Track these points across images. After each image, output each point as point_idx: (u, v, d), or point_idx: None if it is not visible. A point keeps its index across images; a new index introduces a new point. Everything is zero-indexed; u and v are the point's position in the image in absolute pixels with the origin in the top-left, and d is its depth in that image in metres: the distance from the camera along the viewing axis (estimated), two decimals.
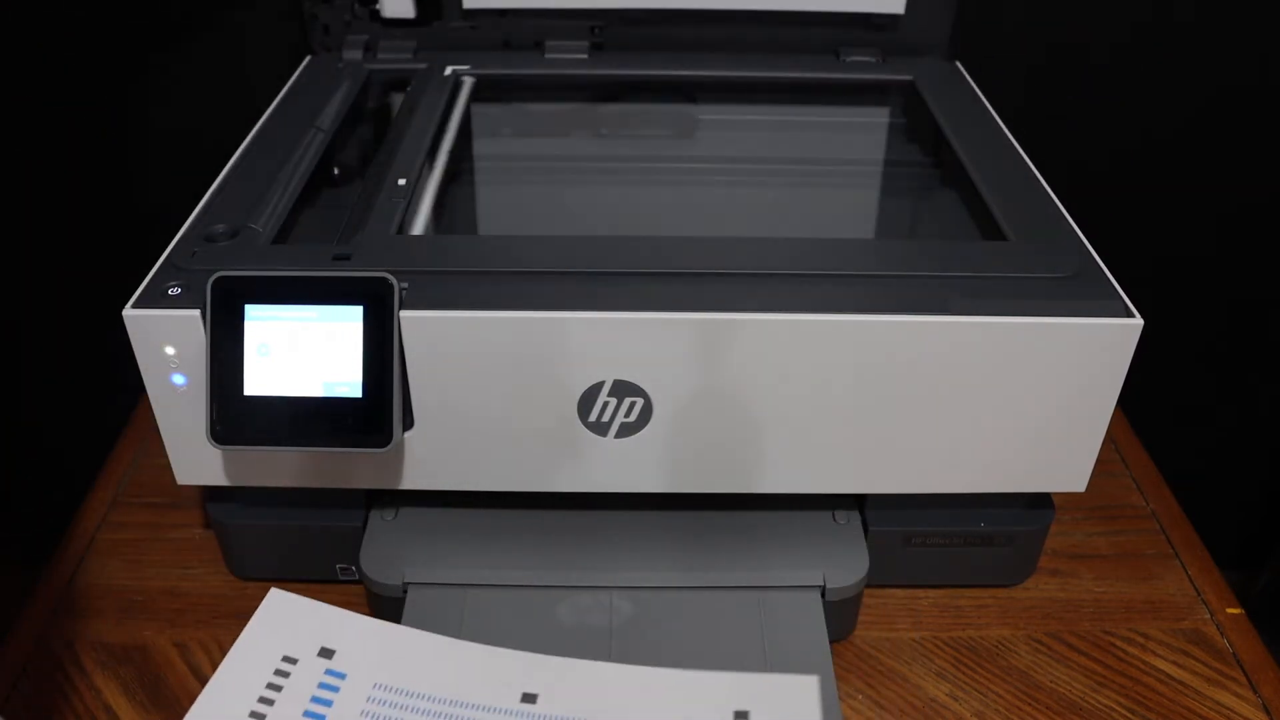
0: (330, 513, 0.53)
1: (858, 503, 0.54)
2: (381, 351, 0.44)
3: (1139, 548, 0.60)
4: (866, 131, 0.71)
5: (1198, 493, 0.69)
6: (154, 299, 0.45)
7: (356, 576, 0.53)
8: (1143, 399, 0.64)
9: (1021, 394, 0.47)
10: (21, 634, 0.54)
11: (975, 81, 0.69)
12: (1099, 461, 0.49)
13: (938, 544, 0.54)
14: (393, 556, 0.51)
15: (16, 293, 0.89)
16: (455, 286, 0.45)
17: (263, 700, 0.40)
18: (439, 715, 0.40)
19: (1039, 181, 0.56)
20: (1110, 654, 0.53)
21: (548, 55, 0.71)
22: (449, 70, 0.69)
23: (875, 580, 0.53)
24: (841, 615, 0.52)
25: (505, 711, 0.41)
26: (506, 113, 0.64)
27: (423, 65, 0.69)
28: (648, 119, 0.63)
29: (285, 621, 0.43)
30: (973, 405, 0.47)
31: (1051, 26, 0.83)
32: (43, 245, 0.88)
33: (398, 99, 0.69)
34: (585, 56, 0.71)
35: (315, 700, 0.40)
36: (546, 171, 0.57)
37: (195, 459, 0.49)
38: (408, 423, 0.47)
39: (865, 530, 0.53)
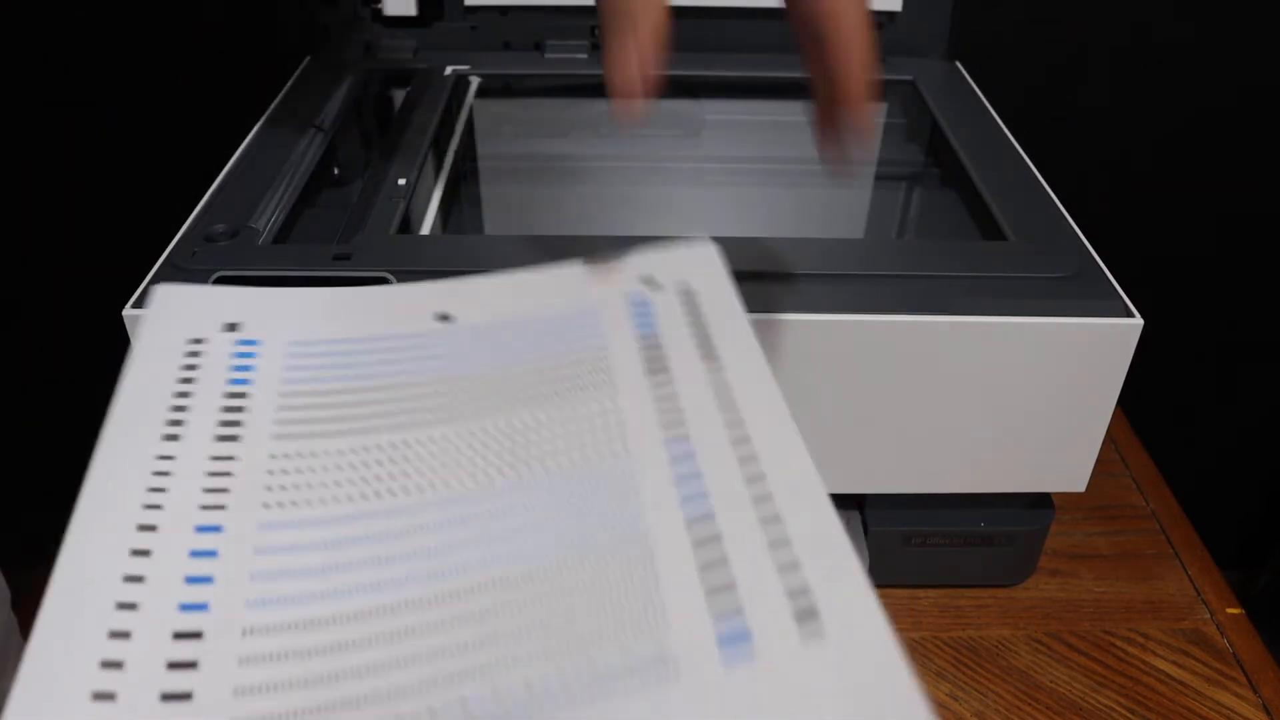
0: None
1: (858, 503, 0.54)
2: None
3: (1139, 548, 0.60)
4: None
5: (1198, 493, 0.69)
6: None
7: None
8: (1143, 399, 0.64)
9: (1021, 394, 0.47)
10: (22, 634, 0.54)
11: (975, 81, 0.69)
12: (1099, 461, 0.49)
13: (938, 544, 0.54)
14: None
15: (16, 292, 0.89)
16: None
17: (180, 393, 0.37)
18: (359, 353, 0.38)
19: (1039, 181, 0.56)
20: (1110, 654, 0.53)
21: (548, 55, 0.71)
22: (449, 70, 0.69)
23: (875, 580, 0.52)
24: None
25: (422, 335, 0.39)
26: (507, 112, 0.64)
27: (423, 65, 0.69)
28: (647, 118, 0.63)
29: (180, 310, 0.39)
30: (973, 405, 0.47)
31: (1051, 26, 0.83)
32: (43, 245, 0.88)
33: (398, 99, 0.70)
34: (585, 56, 0.71)
35: (235, 372, 0.37)
36: (546, 171, 0.57)
37: None
38: None
39: (865, 530, 0.53)
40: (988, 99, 0.66)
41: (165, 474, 0.34)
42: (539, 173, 0.57)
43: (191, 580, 0.30)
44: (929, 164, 0.64)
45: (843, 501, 0.53)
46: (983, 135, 0.61)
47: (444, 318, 0.40)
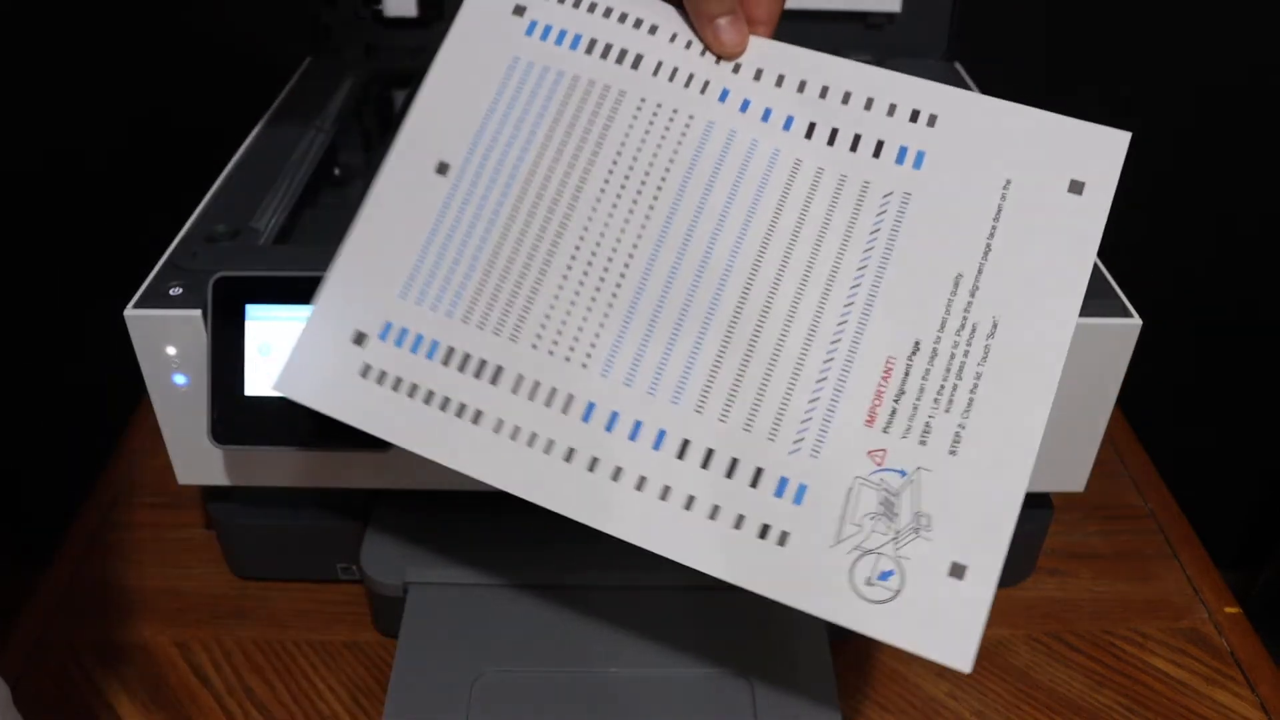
0: (330, 513, 0.53)
1: None
2: None
3: (1138, 547, 0.60)
4: None
5: (1197, 493, 0.69)
6: (155, 299, 0.45)
7: (357, 576, 0.53)
8: (1142, 399, 0.64)
9: None
10: (21, 634, 0.54)
11: (975, 81, 0.69)
12: (1098, 461, 0.49)
13: None
14: (393, 556, 0.51)
15: (17, 293, 0.89)
16: None
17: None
18: None
19: None
20: (1109, 653, 0.53)
21: None
22: None
23: None
24: None
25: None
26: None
27: (423, 66, 0.69)
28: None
29: None
30: None
31: (1051, 26, 0.83)
32: (43, 245, 0.88)
33: (398, 99, 0.70)
34: None
35: None
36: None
37: (195, 459, 0.49)
38: None
39: None
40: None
41: None
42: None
43: None
44: None
45: None
46: None
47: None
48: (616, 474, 0.37)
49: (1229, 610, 0.56)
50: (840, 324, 0.38)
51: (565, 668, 0.47)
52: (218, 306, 0.44)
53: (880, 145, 0.40)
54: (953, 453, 0.36)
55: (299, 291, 0.44)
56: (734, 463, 0.37)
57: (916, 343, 0.37)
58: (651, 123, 0.41)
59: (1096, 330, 0.45)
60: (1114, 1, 0.81)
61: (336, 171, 0.61)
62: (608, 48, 0.41)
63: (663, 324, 0.38)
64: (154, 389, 0.47)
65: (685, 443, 0.37)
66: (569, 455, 0.38)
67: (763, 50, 0.42)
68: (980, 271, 0.38)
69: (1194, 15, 0.82)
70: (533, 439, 0.38)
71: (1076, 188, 0.39)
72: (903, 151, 0.40)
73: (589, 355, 0.38)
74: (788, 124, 0.41)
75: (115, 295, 0.46)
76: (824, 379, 0.37)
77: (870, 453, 0.36)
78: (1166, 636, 0.54)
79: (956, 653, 0.34)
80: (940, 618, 0.34)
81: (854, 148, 0.40)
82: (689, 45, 0.42)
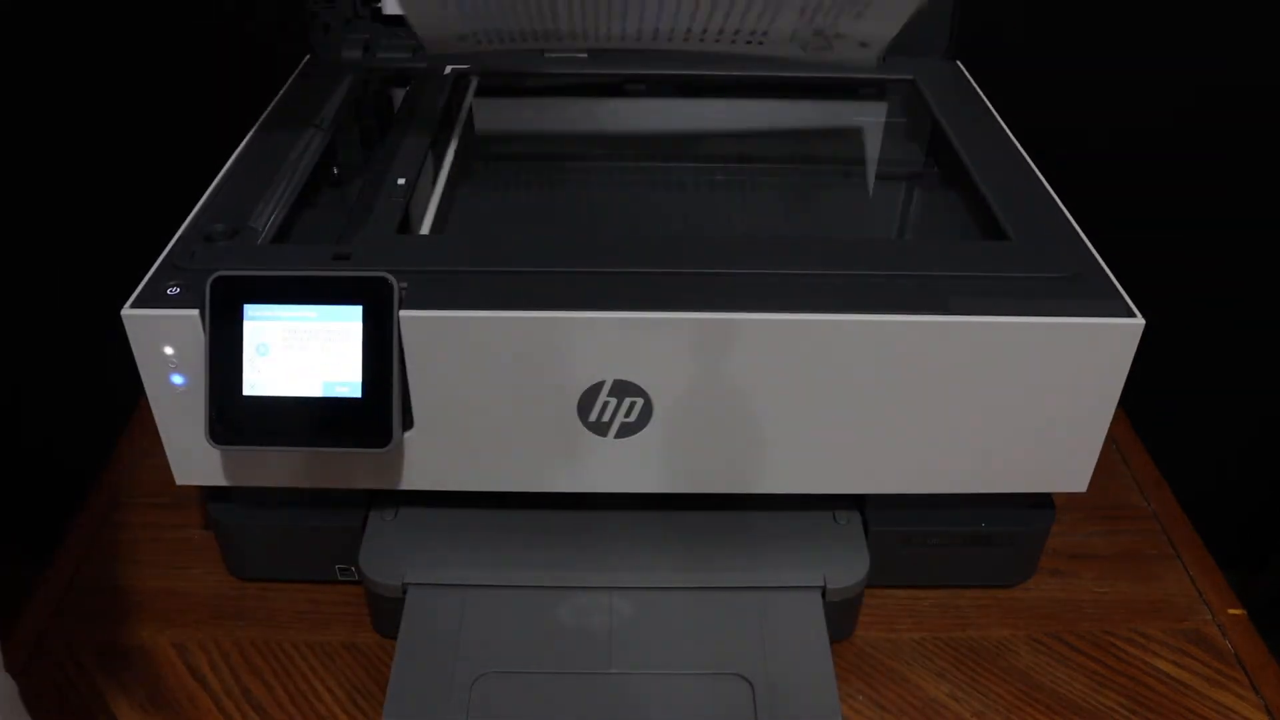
0: (330, 513, 0.53)
1: (858, 503, 0.54)
2: (381, 351, 0.44)
3: (1140, 548, 0.60)
4: (867, 131, 0.71)
5: (1199, 493, 0.69)
6: (153, 299, 0.45)
7: (356, 577, 0.53)
8: (1143, 399, 0.63)
9: (1022, 394, 0.46)
10: (22, 634, 0.54)
11: (975, 81, 0.69)
12: (1100, 462, 0.49)
13: (938, 544, 0.54)
14: (393, 557, 0.51)
15: (16, 293, 0.89)
16: (455, 286, 0.45)
17: None
18: None
19: (1039, 181, 0.56)
20: (1111, 654, 0.53)
21: (548, 55, 0.71)
22: (449, 70, 0.69)
23: (876, 580, 0.52)
24: (842, 615, 0.52)
25: None
26: (507, 112, 0.64)
27: (423, 65, 0.69)
28: (648, 119, 0.63)
29: None
30: (973, 405, 0.47)
31: (1051, 26, 0.83)
32: (42, 245, 0.88)
33: (398, 99, 0.69)
34: (585, 56, 0.71)
35: None
36: (546, 171, 0.57)
37: (194, 459, 0.49)
38: (408, 423, 0.47)
39: (866, 530, 0.53)
40: (988, 99, 0.66)
41: None
42: (538, 172, 0.57)
43: None
44: (929, 164, 0.64)
45: (843, 502, 0.54)
46: (983, 135, 0.61)
47: None
48: None
49: (1232, 611, 0.56)
50: None
51: (565, 668, 0.47)
52: (216, 306, 0.44)
53: None
54: None
55: (297, 291, 0.44)
56: None
57: None
58: None
59: (1099, 330, 0.45)
60: (1114, 1, 0.81)
61: (335, 170, 0.61)
62: None
63: None
64: (152, 389, 0.47)
65: None
66: None
67: None
68: None
69: (1194, 16, 0.81)
70: None
71: None
72: None
73: None
74: None
75: (113, 295, 0.46)
76: None
77: None
78: (1169, 637, 0.54)
79: None
80: None
81: None
82: None
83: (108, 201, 0.87)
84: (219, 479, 0.50)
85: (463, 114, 0.65)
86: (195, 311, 0.44)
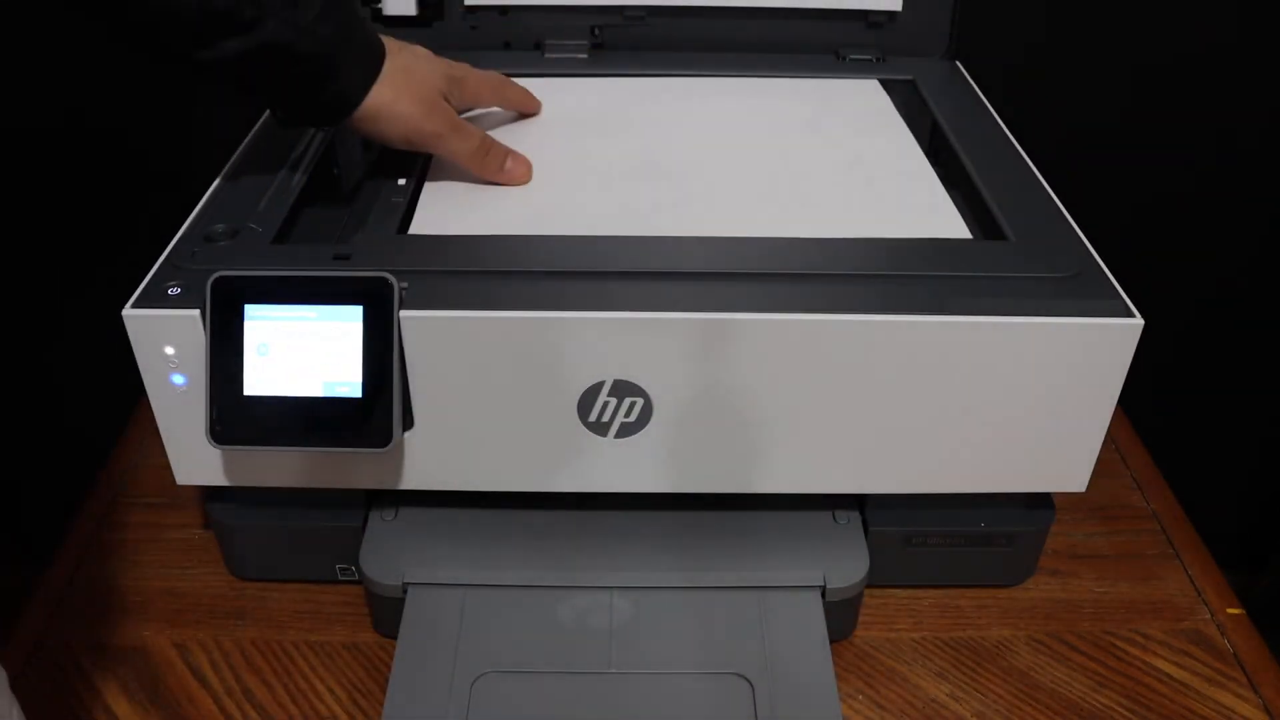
0: (330, 513, 0.53)
1: (858, 503, 0.54)
2: (381, 351, 0.44)
3: (1140, 548, 0.60)
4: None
5: (1198, 493, 0.69)
6: (154, 299, 0.45)
7: (356, 577, 0.53)
8: (1143, 399, 0.63)
9: (1022, 394, 0.46)
10: (21, 634, 0.54)
11: (975, 81, 0.69)
12: (1099, 461, 0.49)
13: (938, 544, 0.54)
14: (393, 556, 0.51)
15: (16, 293, 0.89)
16: (455, 286, 0.45)
17: None
18: None
19: (1039, 181, 0.56)
20: (1111, 654, 0.53)
21: (547, 55, 0.71)
22: None
23: (875, 580, 0.52)
24: (842, 615, 0.52)
25: None
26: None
27: None
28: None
29: None
30: (973, 405, 0.47)
31: (1051, 26, 0.83)
32: (42, 245, 0.88)
33: None
34: (585, 56, 0.71)
35: None
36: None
37: (195, 459, 0.49)
38: (408, 423, 0.47)
39: (865, 530, 0.53)
40: (988, 99, 0.66)
41: None
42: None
43: None
44: (929, 164, 0.64)
45: (843, 501, 0.54)
46: (983, 135, 0.61)
47: None
48: None
49: (1231, 611, 0.56)
50: None
51: (565, 668, 0.47)
52: (216, 306, 0.44)
53: None
54: None
55: (298, 291, 0.44)
56: None
57: None
58: None
59: (1098, 330, 0.45)
60: (1114, 1, 0.81)
61: (335, 170, 0.61)
62: None
63: None
64: (152, 389, 0.47)
65: None
66: None
67: None
68: None
69: (1195, 17, 0.81)
70: None
71: None
72: None
73: None
74: None
75: (114, 295, 0.46)
76: None
77: None
78: (1168, 637, 0.54)
79: None
80: None
81: None
82: None
83: (108, 201, 0.87)
84: (219, 479, 0.50)
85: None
86: (196, 311, 0.44)
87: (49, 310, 0.91)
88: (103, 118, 0.83)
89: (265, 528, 0.53)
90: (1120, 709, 0.51)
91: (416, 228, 0.52)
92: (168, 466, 0.49)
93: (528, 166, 0.56)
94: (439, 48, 0.67)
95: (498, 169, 0.55)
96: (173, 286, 0.46)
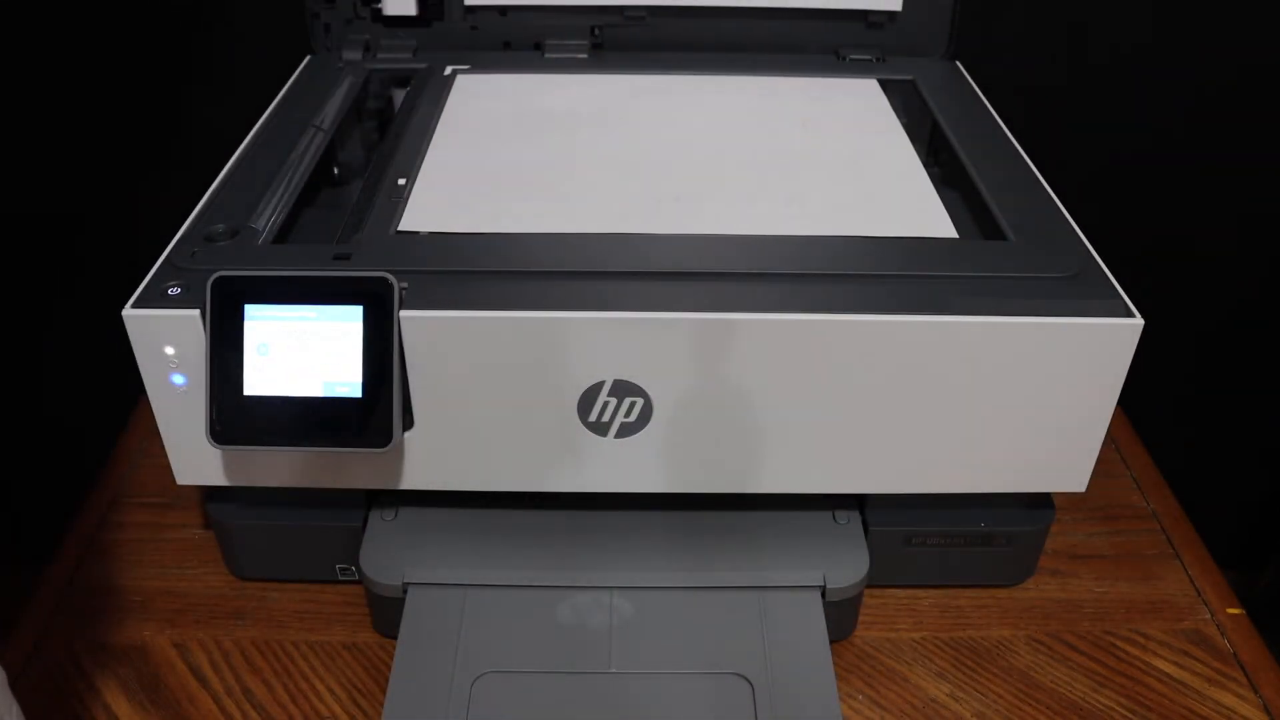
0: (330, 513, 0.53)
1: (858, 503, 0.54)
2: (381, 351, 0.44)
3: (1139, 548, 0.60)
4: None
5: (1199, 493, 0.69)
6: (154, 299, 0.45)
7: (356, 577, 0.53)
8: (1143, 399, 0.63)
9: (1022, 394, 0.46)
10: (21, 634, 0.54)
11: (975, 81, 0.69)
12: (1099, 461, 0.49)
13: (938, 544, 0.54)
14: (393, 556, 0.51)
15: (16, 293, 0.89)
16: (455, 286, 0.45)
17: None
18: None
19: (1039, 181, 0.56)
20: (1110, 654, 0.53)
21: (547, 55, 0.71)
22: (449, 70, 0.69)
23: (875, 580, 0.52)
24: (842, 615, 0.52)
25: None
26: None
27: (423, 65, 0.69)
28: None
29: None
30: (973, 405, 0.47)
31: (1051, 26, 0.83)
32: (42, 245, 0.88)
33: (398, 98, 0.69)
34: (585, 57, 0.71)
35: None
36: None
37: (195, 459, 0.49)
38: (408, 423, 0.47)
39: (865, 530, 0.53)
40: (988, 99, 0.66)
41: None
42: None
43: None
44: (929, 164, 0.64)
45: (843, 501, 0.54)
46: (983, 135, 0.61)
47: None
48: None
49: (1231, 611, 0.56)
50: None
51: (565, 668, 0.47)
52: (216, 306, 0.44)
53: None
54: None
55: (298, 291, 0.44)
56: None
57: None
58: None
59: (1098, 330, 0.45)
60: (1114, 1, 0.81)
61: (335, 170, 0.61)
62: None
63: None
64: (153, 389, 0.47)
65: None
66: None
67: None
68: None
69: (1194, 16, 0.81)
70: None
71: None
72: None
73: None
74: None
75: (114, 295, 0.46)
76: None
77: None
78: (1168, 637, 0.54)
79: None
80: None
81: None
82: None
83: (108, 201, 0.87)
84: (219, 479, 0.50)
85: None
86: (196, 311, 0.44)
87: (49, 310, 0.91)
88: (103, 117, 0.83)
89: (265, 528, 0.53)
90: (1120, 709, 0.51)
91: (407, 223, 0.52)
92: (168, 466, 0.49)
93: None
94: (439, 48, 0.67)
95: None
96: (173, 286, 0.46)
